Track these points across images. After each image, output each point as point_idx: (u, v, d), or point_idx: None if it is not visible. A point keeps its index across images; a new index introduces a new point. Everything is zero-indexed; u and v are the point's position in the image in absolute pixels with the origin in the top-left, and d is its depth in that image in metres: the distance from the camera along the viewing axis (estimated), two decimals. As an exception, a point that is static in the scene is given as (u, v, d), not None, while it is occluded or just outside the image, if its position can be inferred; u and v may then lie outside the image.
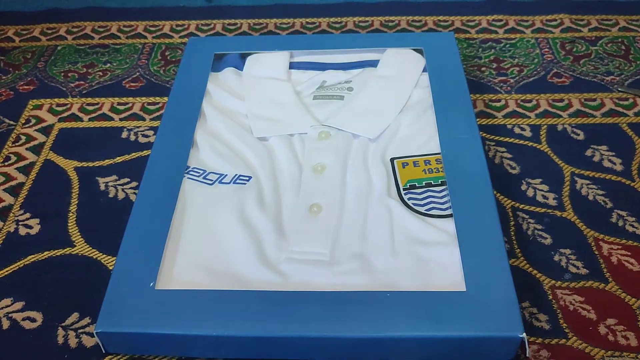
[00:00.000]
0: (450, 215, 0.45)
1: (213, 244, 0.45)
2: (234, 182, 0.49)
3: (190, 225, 0.46)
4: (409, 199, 0.47)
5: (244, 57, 0.61)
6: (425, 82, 0.57)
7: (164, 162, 0.50)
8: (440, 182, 0.48)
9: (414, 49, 0.60)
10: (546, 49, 0.69)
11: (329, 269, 0.42)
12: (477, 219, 0.44)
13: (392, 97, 0.56)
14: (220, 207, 0.47)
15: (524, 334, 0.37)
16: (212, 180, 0.49)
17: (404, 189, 0.48)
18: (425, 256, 0.43)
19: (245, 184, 0.48)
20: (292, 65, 0.61)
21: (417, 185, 0.48)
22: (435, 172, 0.49)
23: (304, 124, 0.53)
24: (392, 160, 0.50)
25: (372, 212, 0.46)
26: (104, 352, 0.42)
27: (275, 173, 0.50)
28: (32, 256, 0.49)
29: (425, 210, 0.46)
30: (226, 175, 0.49)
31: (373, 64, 0.59)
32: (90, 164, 0.57)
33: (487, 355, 0.39)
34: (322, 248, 0.44)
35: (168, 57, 0.70)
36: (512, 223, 0.50)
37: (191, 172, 0.50)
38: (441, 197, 0.47)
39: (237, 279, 0.42)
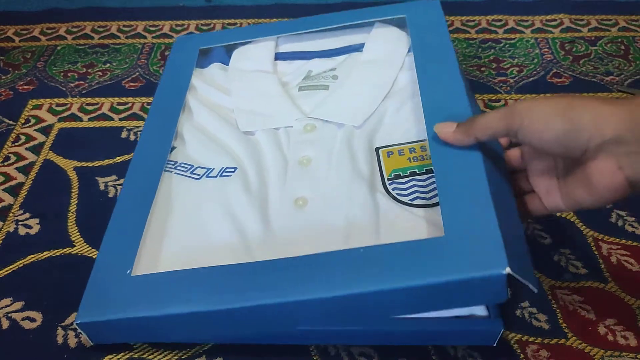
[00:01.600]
0: (434, 205, 0.45)
1: (198, 238, 0.45)
2: (221, 176, 0.49)
3: (177, 220, 0.46)
4: (393, 189, 0.47)
5: (230, 52, 0.61)
6: (412, 64, 0.55)
7: (147, 157, 0.50)
8: (425, 170, 0.47)
9: (398, 23, 0.59)
10: (546, 49, 0.69)
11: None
12: (462, 173, 0.41)
13: (377, 82, 0.55)
14: (206, 201, 0.47)
15: (508, 269, 0.34)
16: (199, 174, 0.49)
17: (388, 179, 0.47)
18: None
19: (231, 177, 0.49)
20: (278, 57, 0.60)
21: (401, 175, 0.48)
22: (420, 159, 0.48)
23: (290, 117, 0.53)
24: (377, 149, 0.50)
25: (357, 205, 0.46)
26: (92, 344, 0.42)
27: (261, 167, 0.50)
28: (32, 256, 0.49)
29: (409, 200, 0.46)
30: (213, 169, 0.50)
31: (358, 48, 0.59)
32: (90, 164, 0.57)
33: (477, 299, 0.38)
34: (306, 240, 0.44)
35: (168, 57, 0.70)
36: (512, 223, 0.50)
37: (179, 167, 0.50)
38: (425, 186, 0.46)
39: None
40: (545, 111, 0.35)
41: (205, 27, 0.75)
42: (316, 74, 0.58)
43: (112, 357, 0.42)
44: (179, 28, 0.75)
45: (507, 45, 0.70)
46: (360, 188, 0.47)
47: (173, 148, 0.52)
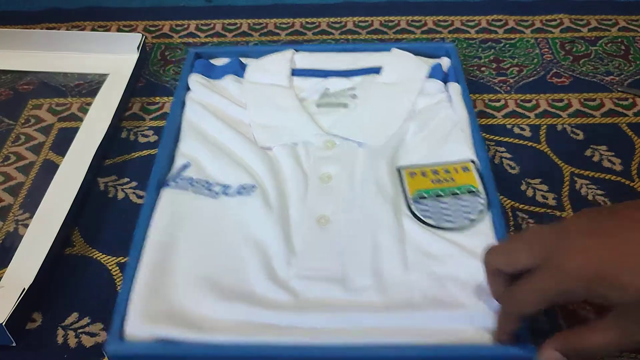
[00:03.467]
0: (461, 228, 0.44)
1: (220, 259, 0.43)
2: (239, 193, 0.48)
3: (197, 240, 0.45)
4: (418, 210, 0.46)
5: (243, 64, 0.60)
6: (430, 89, 0.55)
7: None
8: (450, 193, 0.47)
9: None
10: (546, 49, 0.69)
11: (341, 285, 0.41)
12: None
13: (397, 104, 0.54)
14: (226, 220, 0.46)
15: None
16: (216, 191, 0.48)
17: (412, 200, 0.47)
18: (439, 271, 0.42)
19: (250, 194, 0.47)
20: (294, 72, 0.59)
21: (425, 196, 0.47)
22: (444, 182, 0.47)
23: (309, 132, 0.52)
24: (399, 169, 0.49)
25: (381, 224, 0.45)
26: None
27: (281, 183, 0.48)
28: (32, 256, 0.49)
29: (435, 222, 0.45)
30: (230, 186, 0.48)
31: (376, 70, 0.58)
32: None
33: None
34: (332, 263, 0.43)
35: (168, 57, 0.70)
36: (512, 223, 0.50)
37: (195, 184, 0.48)
38: (451, 209, 0.46)
39: (247, 296, 0.41)
40: None
41: (205, 27, 0.75)
42: (334, 92, 0.57)
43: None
44: (179, 28, 0.75)
45: (507, 45, 0.70)
46: (386, 209, 0.45)
47: (188, 165, 0.50)
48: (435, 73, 0.57)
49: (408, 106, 0.54)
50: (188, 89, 0.58)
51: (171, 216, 0.46)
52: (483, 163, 0.49)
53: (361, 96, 0.56)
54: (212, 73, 0.59)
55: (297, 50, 0.61)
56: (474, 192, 0.47)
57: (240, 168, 0.50)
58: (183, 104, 0.56)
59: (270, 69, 0.59)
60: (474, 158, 0.49)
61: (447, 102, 0.55)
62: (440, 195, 0.47)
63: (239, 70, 0.59)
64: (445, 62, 0.59)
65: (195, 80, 0.58)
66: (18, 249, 0.48)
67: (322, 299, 0.41)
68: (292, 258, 0.43)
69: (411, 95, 0.55)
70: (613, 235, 0.28)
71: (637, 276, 0.27)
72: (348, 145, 0.51)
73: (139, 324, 0.39)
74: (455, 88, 0.55)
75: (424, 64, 0.58)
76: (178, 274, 0.42)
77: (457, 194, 0.47)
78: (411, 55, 0.59)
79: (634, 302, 0.27)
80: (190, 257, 0.44)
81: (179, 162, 0.51)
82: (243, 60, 0.61)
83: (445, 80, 0.57)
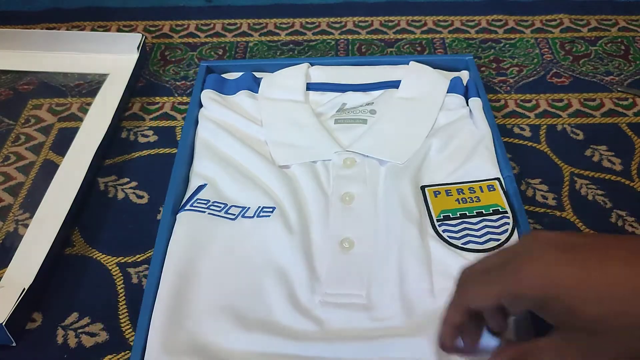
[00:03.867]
0: (488, 250, 0.43)
1: (241, 287, 0.42)
2: (258, 216, 0.46)
3: (216, 267, 0.43)
4: (444, 231, 0.44)
5: (257, 78, 0.59)
6: (450, 104, 0.54)
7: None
8: (475, 213, 0.45)
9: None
10: (546, 49, 0.69)
11: (367, 313, 0.40)
12: None
13: (418, 120, 0.53)
14: (245, 245, 0.44)
15: None
16: (234, 214, 0.46)
17: (437, 220, 0.45)
18: None
19: (269, 216, 0.46)
20: (309, 87, 0.57)
21: (451, 217, 0.45)
22: (470, 201, 0.46)
23: (328, 150, 0.50)
24: (422, 188, 0.48)
25: (407, 247, 0.43)
26: None
27: (301, 204, 0.47)
28: (32, 256, 0.49)
29: (462, 244, 0.44)
30: (249, 208, 0.47)
31: (394, 84, 0.57)
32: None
33: None
34: (358, 290, 0.41)
35: (168, 57, 0.70)
36: (512, 223, 0.50)
37: (212, 207, 0.47)
38: (478, 230, 0.44)
39: (269, 326, 0.40)
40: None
41: (205, 27, 0.75)
42: (352, 107, 0.55)
43: (112, 357, 0.42)
44: (179, 28, 0.75)
45: (507, 45, 0.70)
46: (411, 231, 0.44)
47: (204, 185, 0.49)
48: (455, 87, 0.56)
49: (430, 122, 0.53)
50: (200, 105, 0.57)
51: (189, 242, 0.44)
52: (508, 181, 0.48)
53: (380, 111, 0.54)
54: (225, 88, 0.58)
55: (311, 64, 0.59)
56: (500, 212, 0.46)
57: (258, 189, 0.48)
58: (196, 122, 0.55)
59: (285, 84, 0.57)
60: (499, 176, 0.48)
61: (468, 117, 0.53)
62: (466, 215, 0.45)
63: (252, 85, 0.57)
64: (464, 76, 0.58)
65: (208, 97, 0.56)
66: (18, 249, 0.48)
67: (347, 328, 0.40)
68: (316, 284, 0.42)
69: (433, 110, 0.54)
70: (585, 259, 0.26)
71: (594, 306, 0.25)
72: (369, 163, 0.49)
73: (159, 355, 0.38)
74: (476, 103, 0.54)
75: (444, 78, 0.56)
76: (198, 303, 0.41)
77: (483, 213, 0.45)
78: (430, 68, 0.58)
79: (580, 330, 0.26)
80: (210, 285, 0.42)
81: (194, 182, 0.49)
82: (256, 74, 0.59)
83: (465, 94, 0.55)
